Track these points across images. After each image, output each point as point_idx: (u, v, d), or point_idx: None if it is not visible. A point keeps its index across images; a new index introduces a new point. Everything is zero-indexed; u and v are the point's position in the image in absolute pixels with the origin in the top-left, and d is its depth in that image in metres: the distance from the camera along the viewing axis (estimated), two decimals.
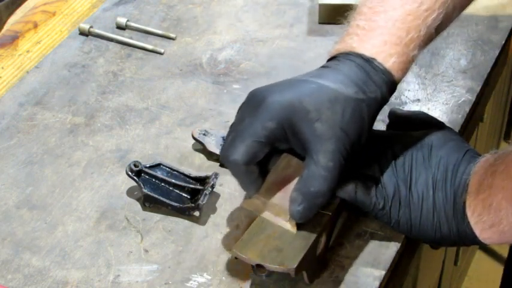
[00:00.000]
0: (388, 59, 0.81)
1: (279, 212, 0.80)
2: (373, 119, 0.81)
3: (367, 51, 0.81)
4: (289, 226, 0.80)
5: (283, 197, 0.80)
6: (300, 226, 0.80)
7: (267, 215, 0.81)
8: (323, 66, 0.83)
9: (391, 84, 0.82)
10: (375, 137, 0.87)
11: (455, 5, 0.86)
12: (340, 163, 0.77)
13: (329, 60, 0.84)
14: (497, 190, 0.77)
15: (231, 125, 0.81)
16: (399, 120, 0.93)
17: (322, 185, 0.77)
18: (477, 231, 0.80)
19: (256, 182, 0.81)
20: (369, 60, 0.81)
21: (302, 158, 0.80)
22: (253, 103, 0.79)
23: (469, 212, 0.80)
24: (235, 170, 0.80)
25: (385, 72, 0.81)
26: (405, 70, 0.83)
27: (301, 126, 0.77)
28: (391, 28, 0.82)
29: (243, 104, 0.81)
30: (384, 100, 0.82)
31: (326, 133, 0.77)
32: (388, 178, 0.83)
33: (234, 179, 0.81)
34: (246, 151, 0.78)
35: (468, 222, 0.80)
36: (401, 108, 1.01)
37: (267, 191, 0.81)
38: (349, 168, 0.79)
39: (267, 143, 0.78)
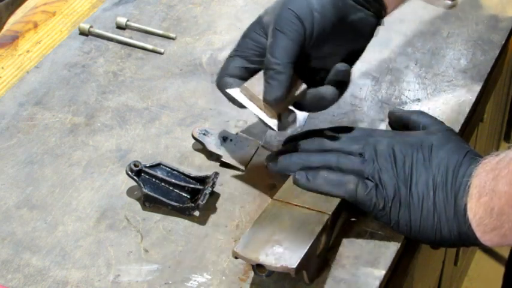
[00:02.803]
0: None
1: (262, 106, 0.86)
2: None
3: None
4: (270, 119, 0.85)
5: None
6: (300, 225, 0.80)
7: (252, 106, 0.86)
8: None
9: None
10: (375, 137, 0.87)
11: None
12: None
13: None
14: (500, 195, 0.77)
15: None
16: (399, 120, 0.93)
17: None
18: (478, 234, 0.80)
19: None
20: None
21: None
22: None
23: (470, 215, 0.80)
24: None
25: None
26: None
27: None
28: None
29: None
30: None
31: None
32: (388, 178, 0.83)
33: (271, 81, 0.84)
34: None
35: (469, 224, 0.80)
36: (401, 108, 1.01)
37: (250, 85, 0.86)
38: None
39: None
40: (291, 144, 0.90)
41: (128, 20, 1.16)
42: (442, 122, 0.90)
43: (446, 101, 1.04)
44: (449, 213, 0.81)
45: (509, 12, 1.17)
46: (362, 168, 0.84)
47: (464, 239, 0.82)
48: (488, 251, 2.13)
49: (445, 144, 0.85)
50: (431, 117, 0.91)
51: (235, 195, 0.92)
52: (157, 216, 0.90)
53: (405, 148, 0.85)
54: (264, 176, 0.94)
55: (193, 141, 0.97)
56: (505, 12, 1.18)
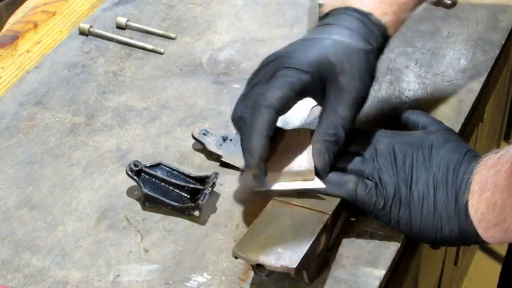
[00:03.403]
0: (383, 16, 0.87)
1: (293, 176, 0.84)
2: (376, 67, 0.87)
3: (365, 7, 0.87)
4: (311, 182, 0.84)
5: (291, 163, 0.84)
6: (300, 225, 0.80)
7: (282, 185, 0.84)
8: (323, 24, 0.88)
9: (386, 38, 0.88)
10: (375, 137, 0.87)
11: None
12: (356, 113, 0.84)
13: (323, 17, 0.89)
14: (502, 189, 0.77)
15: (252, 77, 0.85)
16: (399, 120, 0.93)
17: (342, 132, 0.83)
18: (480, 230, 0.80)
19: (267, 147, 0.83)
20: (366, 15, 0.86)
21: None
22: (279, 62, 0.83)
23: (472, 212, 0.80)
24: (263, 116, 0.81)
25: (381, 27, 0.87)
26: (395, 30, 0.89)
27: (328, 78, 0.83)
28: None
29: (263, 65, 0.85)
30: (381, 52, 0.88)
31: (348, 85, 0.83)
32: (388, 178, 0.83)
33: (246, 135, 0.82)
34: (282, 97, 0.81)
35: (471, 221, 0.80)
36: (401, 108, 1.01)
37: (273, 163, 0.84)
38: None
39: (300, 94, 0.83)
40: None
41: (128, 20, 1.16)
42: (441, 122, 0.90)
43: (446, 101, 1.04)
44: (450, 212, 0.81)
45: (509, 12, 1.17)
46: (362, 168, 0.84)
47: (465, 237, 0.82)
48: (488, 250, 2.13)
49: (444, 144, 0.85)
50: (430, 117, 0.92)
51: (235, 195, 0.92)
52: (157, 216, 0.90)
53: (405, 147, 0.85)
54: None
55: (193, 141, 0.97)
56: (505, 12, 1.17)
